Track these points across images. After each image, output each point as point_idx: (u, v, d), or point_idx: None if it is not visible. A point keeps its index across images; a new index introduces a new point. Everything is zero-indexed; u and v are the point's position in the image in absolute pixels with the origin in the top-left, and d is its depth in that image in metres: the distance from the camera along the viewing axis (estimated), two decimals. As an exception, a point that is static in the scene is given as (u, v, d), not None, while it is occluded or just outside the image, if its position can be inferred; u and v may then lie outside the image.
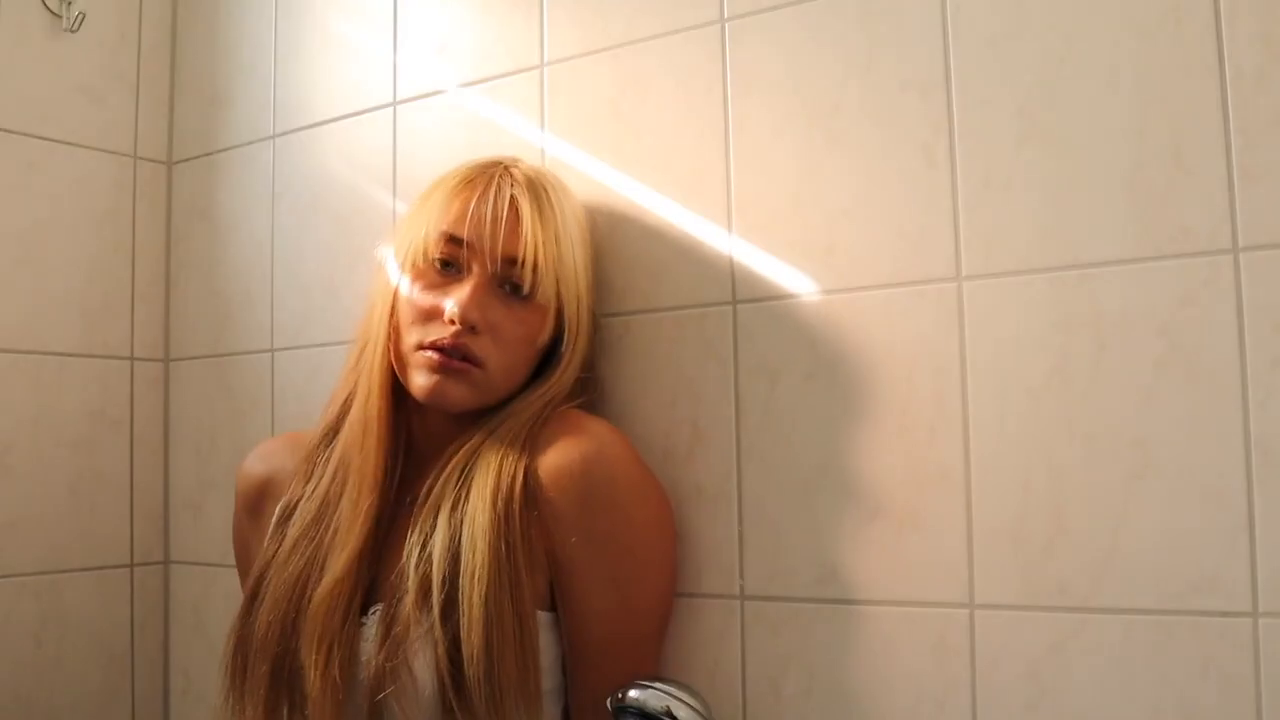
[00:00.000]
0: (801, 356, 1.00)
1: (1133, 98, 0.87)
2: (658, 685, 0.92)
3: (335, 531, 1.01)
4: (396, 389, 1.03)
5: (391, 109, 1.29)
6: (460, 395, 0.99)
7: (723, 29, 1.06)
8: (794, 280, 1.01)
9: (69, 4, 1.40)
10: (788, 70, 1.02)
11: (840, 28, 1.00)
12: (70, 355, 1.40)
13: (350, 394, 1.07)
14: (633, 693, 0.92)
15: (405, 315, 1.01)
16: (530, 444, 0.98)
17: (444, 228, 1.00)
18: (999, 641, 0.90)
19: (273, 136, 1.40)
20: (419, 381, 0.99)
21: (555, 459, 0.96)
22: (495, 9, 1.21)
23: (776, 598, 1.00)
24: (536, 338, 1.02)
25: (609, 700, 0.92)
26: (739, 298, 1.03)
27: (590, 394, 1.07)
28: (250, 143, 1.43)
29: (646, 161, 1.09)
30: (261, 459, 1.15)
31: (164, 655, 1.47)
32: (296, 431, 1.17)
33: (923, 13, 0.96)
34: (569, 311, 1.03)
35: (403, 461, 1.05)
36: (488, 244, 0.98)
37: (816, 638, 0.97)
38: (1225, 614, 0.81)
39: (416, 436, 1.06)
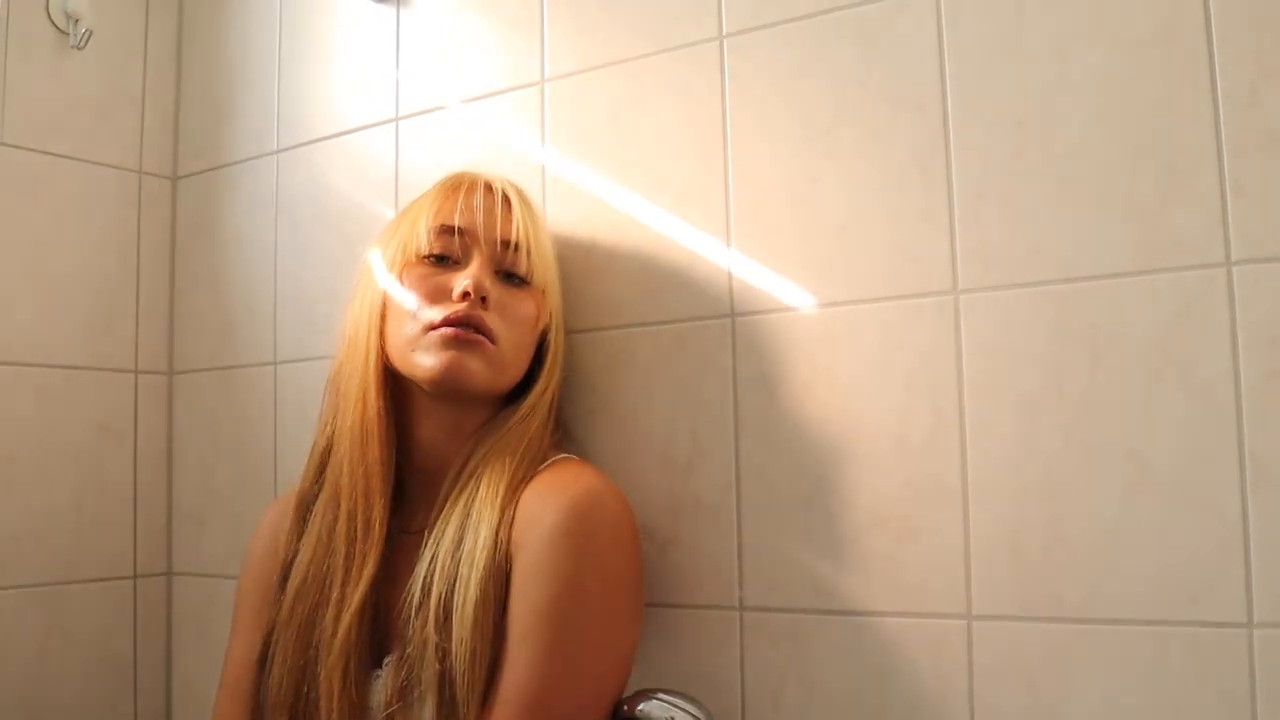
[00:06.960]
0: (800, 369, 1.01)
1: (1126, 114, 0.88)
2: (661, 696, 0.93)
3: (345, 557, 0.97)
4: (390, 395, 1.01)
5: (394, 124, 1.30)
6: (477, 369, 0.96)
7: (721, 46, 1.07)
8: (792, 294, 1.02)
9: (75, 21, 1.41)
10: (785, 87, 1.03)
11: (837, 45, 1.01)
12: (75, 368, 1.41)
13: (332, 421, 1.03)
14: (641, 705, 0.92)
15: (406, 305, 0.99)
16: (525, 485, 0.95)
17: (438, 221, 1.01)
18: (996, 652, 0.90)
19: (276, 151, 1.41)
20: (429, 362, 0.96)
21: (539, 510, 0.92)
22: (496, 26, 1.23)
23: (775, 608, 1.00)
24: (537, 321, 1.03)
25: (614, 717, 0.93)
26: (737, 311, 1.04)
27: (562, 429, 1.07)
28: (254, 158, 1.44)
29: (646, 176, 1.10)
30: (264, 532, 1.11)
31: (167, 666, 1.47)
32: (287, 495, 1.11)
33: (918, 30, 0.97)
34: (553, 305, 1.05)
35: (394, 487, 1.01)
36: (482, 230, 1.01)
37: (815, 648, 0.98)
38: (1220, 625, 0.82)
39: (408, 459, 1.02)
